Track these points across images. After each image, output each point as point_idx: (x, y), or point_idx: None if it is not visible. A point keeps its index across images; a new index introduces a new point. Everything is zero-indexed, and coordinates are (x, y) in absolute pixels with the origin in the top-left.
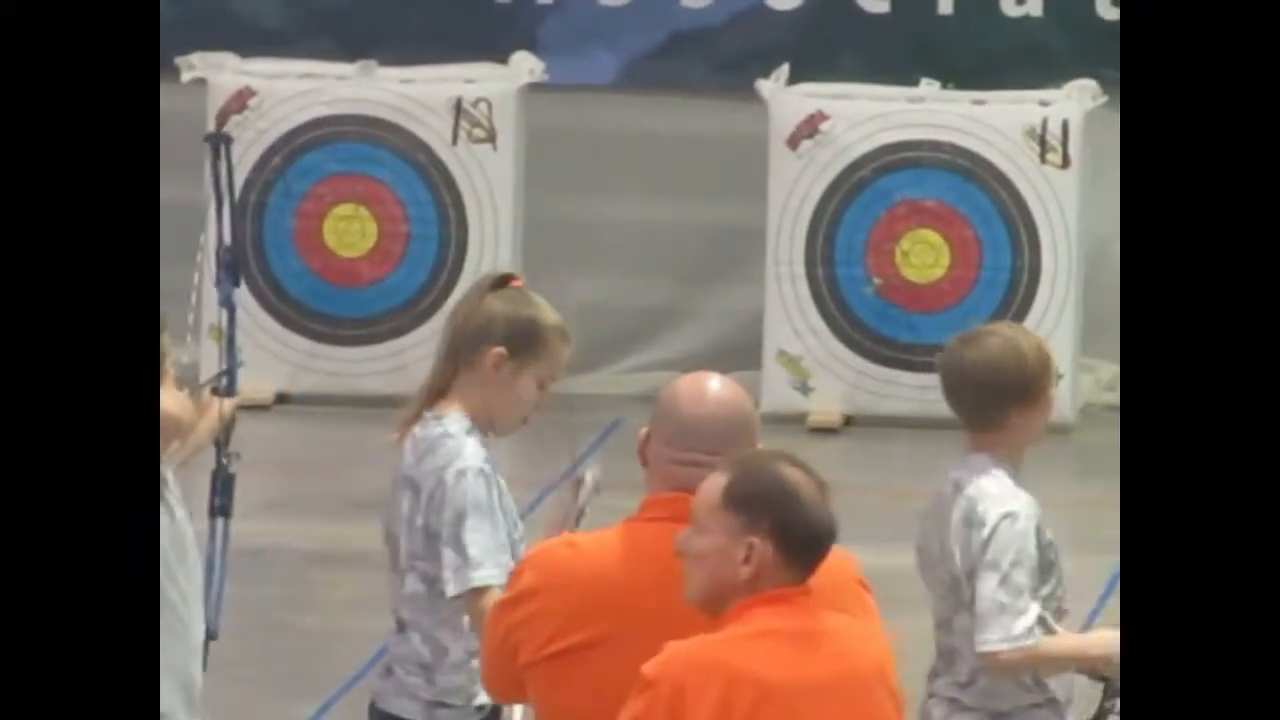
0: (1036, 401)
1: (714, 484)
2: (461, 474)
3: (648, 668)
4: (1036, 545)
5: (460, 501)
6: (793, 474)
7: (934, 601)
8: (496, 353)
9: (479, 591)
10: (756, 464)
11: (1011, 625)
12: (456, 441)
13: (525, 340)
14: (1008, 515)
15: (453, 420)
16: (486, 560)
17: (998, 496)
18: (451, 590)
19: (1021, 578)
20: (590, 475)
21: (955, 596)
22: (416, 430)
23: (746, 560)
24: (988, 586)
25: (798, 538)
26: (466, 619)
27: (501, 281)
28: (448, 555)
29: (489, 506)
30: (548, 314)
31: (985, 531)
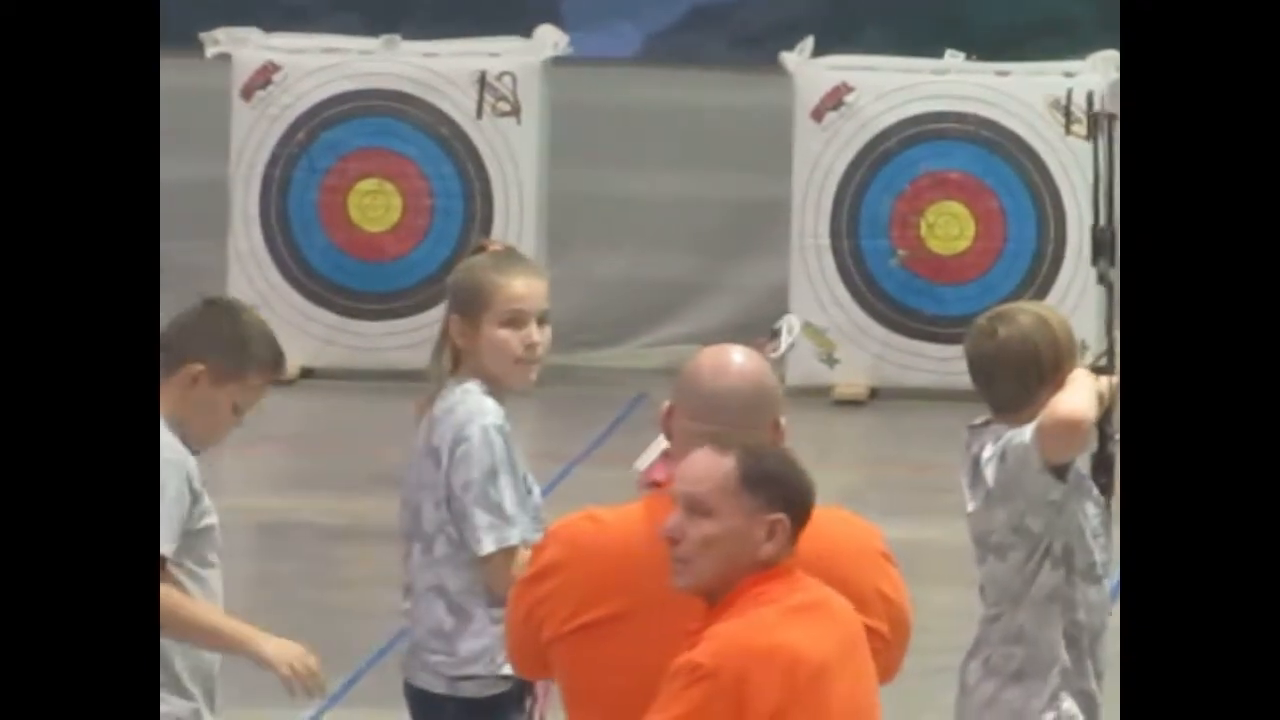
0: (1063, 381)
1: (718, 468)
2: (485, 430)
3: (701, 657)
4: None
5: (489, 457)
6: (785, 451)
7: (979, 568)
8: (454, 319)
9: (512, 551)
10: (757, 445)
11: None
12: (476, 400)
13: (466, 298)
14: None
15: (471, 384)
16: (519, 518)
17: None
18: (488, 548)
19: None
20: (789, 332)
21: (994, 558)
22: (437, 401)
23: (770, 537)
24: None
25: (804, 510)
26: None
27: (478, 248)
28: (479, 514)
29: (512, 464)
30: (478, 262)
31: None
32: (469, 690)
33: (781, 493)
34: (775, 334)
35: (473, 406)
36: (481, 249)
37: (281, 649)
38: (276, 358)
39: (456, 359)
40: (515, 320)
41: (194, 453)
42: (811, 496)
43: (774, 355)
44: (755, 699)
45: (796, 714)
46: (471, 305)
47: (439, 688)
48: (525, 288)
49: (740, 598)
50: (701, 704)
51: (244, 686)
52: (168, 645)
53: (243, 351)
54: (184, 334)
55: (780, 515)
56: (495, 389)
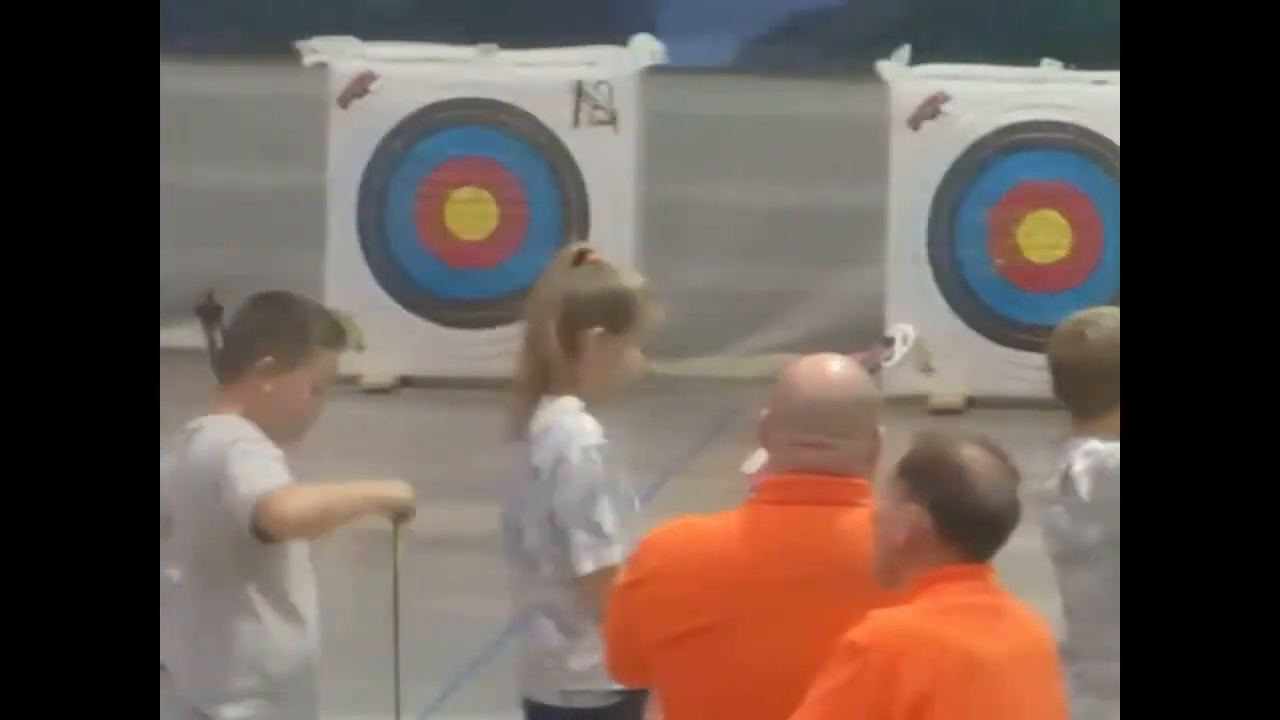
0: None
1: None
2: (586, 451)
3: (856, 635)
4: None
5: (589, 479)
6: (969, 452)
7: (1059, 582)
8: (598, 333)
9: (613, 570)
10: (936, 437)
11: None
12: (575, 419)
13: (620, 313)
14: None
15: (568, 402)
16: (620, 537)
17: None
18: (588, 568)
19: None
20: (902, 342)
21: (1079, 567)
22: (534, 420)
23: (907, 527)
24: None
25: (955, 514)
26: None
27: (579, 257)
28: (579, 534)
29: (613, 484)
30: (630, 278)
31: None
32: (584, 701)
33: (929, 487)
34: (889, 342)
35: (572, 426)
36: (582, 258)
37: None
38: (337, 329)
39: (543, 372)
40: (645, 344)
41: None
42: (977, 508)
43: (889, 364)
44: (902, 681)
45: (943, 704)
46: (624, 322)
47: (554, 700)
48: (660, 315)
49: (920, 591)
50: (852, 680)
51: (342, 697)
52: (263, 650)
53: (304, 331)
54: (244, 333)
55: (914, 507)
56: (591, 405)
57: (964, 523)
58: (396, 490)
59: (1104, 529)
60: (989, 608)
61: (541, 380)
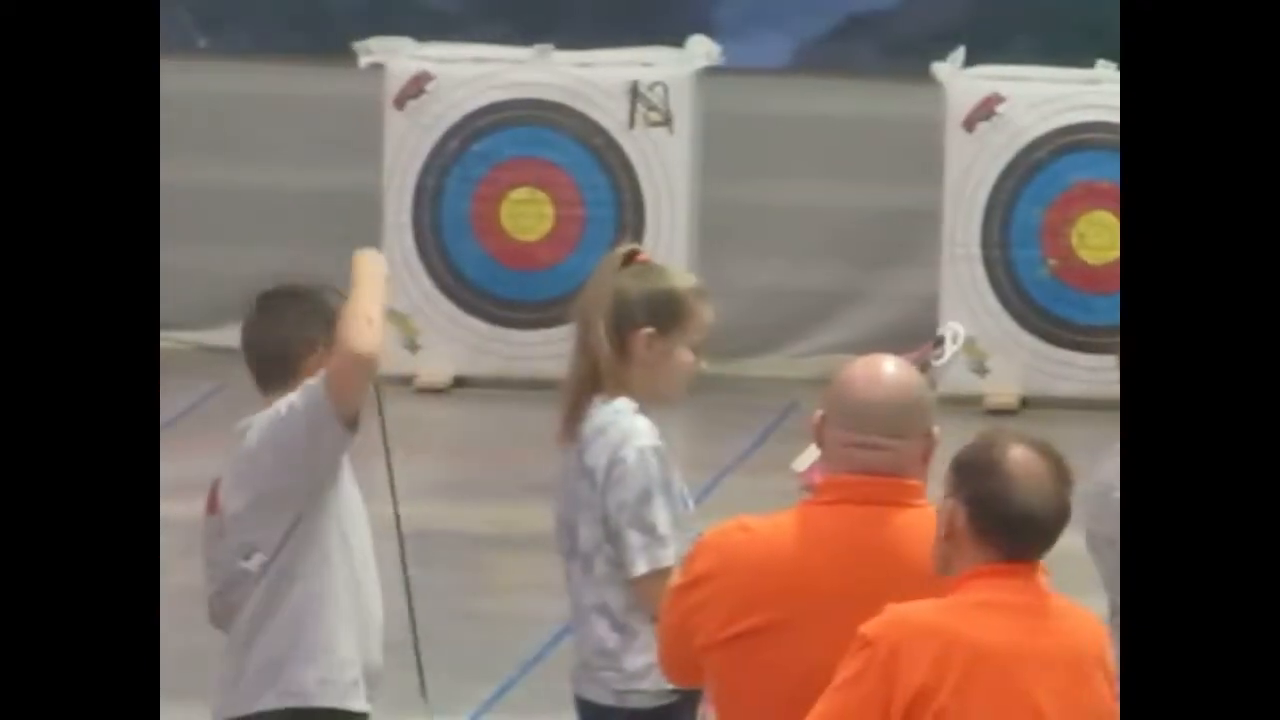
0: None
1: None
2: (642, 452)
3: (867, 628)
4: None
5: (644, 479)
6: (1013, 453)
7: (1106, 585)
8: (647, 334)
9: (666, 572)
10: (988, 434)
11: None
12: (629, 420)
13: (669, 314)
14: None
15: (621, 403)
16: (674, 539)
17: None
18: (642, 569)
19: None
20: (953, 340)
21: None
22: (586, 422)
23: (946, 522)
24: None
25: (988, 513)
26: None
27: (628, 258)
28: (633, 535)
29: (667, 484)
30: (681, 279)
31: None
32: (637, 701)
33: (966, 484)
34: (939, 342)
35: (627, 428)
36: (631, 258)
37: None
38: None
39: (598, 376)
40: (698, 345)
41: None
42: (1012, 508)
43: (938, 363)
44: (904, 672)
45: (946, 698)
46: (673, 323)
47: (607, 700)
48: (711, 315)
49: (956, 586)
50: (859, 672)
51: (390, 697)
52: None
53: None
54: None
55: (952, 502)
56: (645, 406)
57: (997, 521)
58: (379, 266)
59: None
60: (1022, 606)
61: (593, 381)
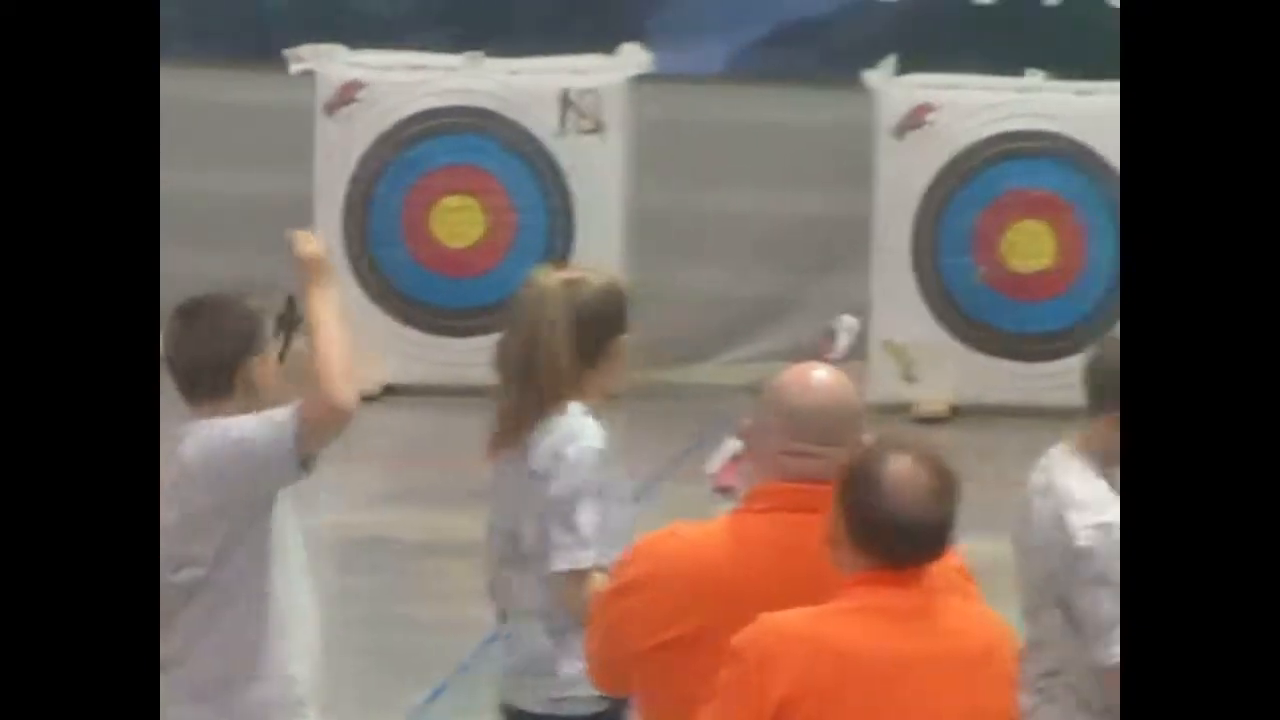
0: None
1: None
2: (583, 451)
3: (737, 638)
4: None
5: (577, 479)
6: (891, 462)
7: (1024, 591)
8: (622, 339)
9: (583, 574)
10: (871, 447)
11: None
12: (576, 421)
13: (623, 314)
14: (1105, 525)
15: (574, 406)
16: (597, 542)
17: (1089, 504)
18: (558, 566)
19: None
20: (846, 331)
21: (1043, 589)
22: (536, 429)
23: (828, 528)
24: (1104, 601)
25: (863, 520)
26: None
27: (561, 272)
28: (557, 532)
29: (601, 488)
30: (613, 277)
31: (1083, 542)
32: (571, 709)
33: (844, 495)
34: (831, 334)
35: (575, 428)
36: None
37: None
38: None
39: (542, 388)
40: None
41: None
42: (885, 518)
43: (832, 357)
44: (772, 682)
45: (813, 704)
46: (620, 324)
47: (540, 708)
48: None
49: (839, 593)
50: (729, 684)
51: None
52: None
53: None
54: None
55: (835, 509)
56: (595, 410)
57: (871, 528)
58: (331, 279)
59: (1043, 560)
60: (902, 610)
61: (541, 395)
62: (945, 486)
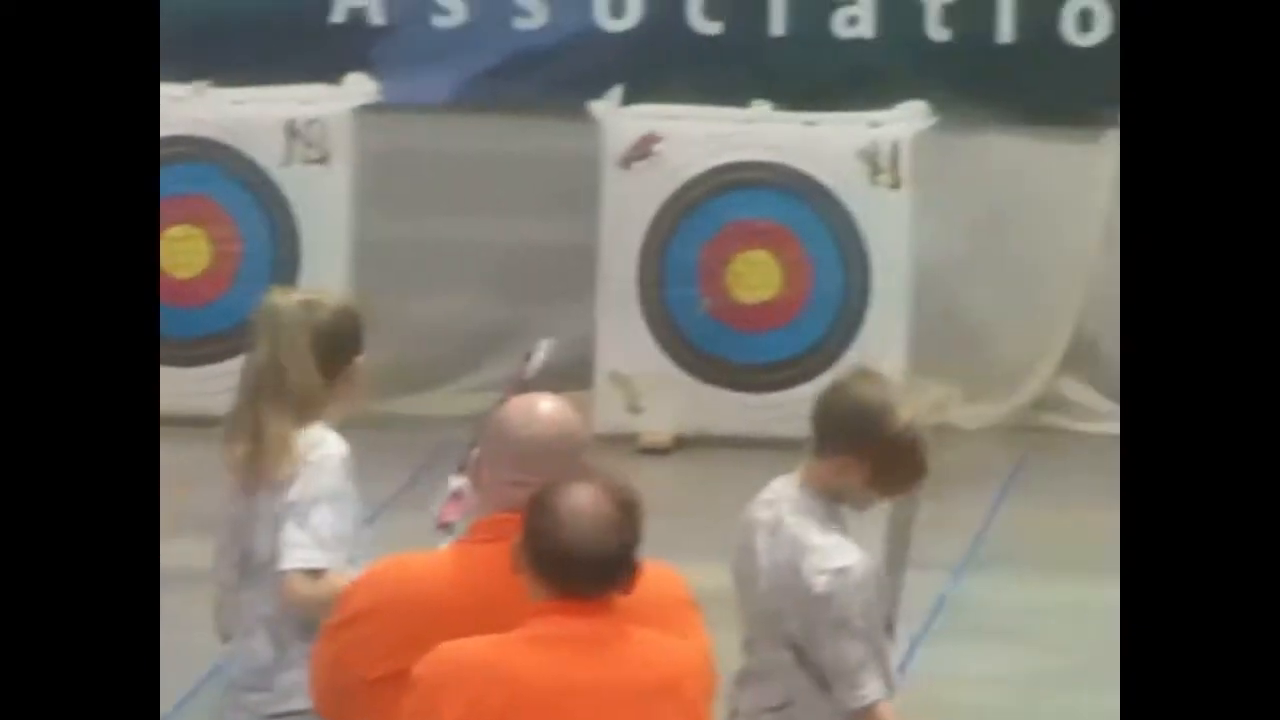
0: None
1: None
2: (326, 457)
3: (418, 665)
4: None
5: (318, 483)
6: (569, 492)
7: (745, 623)
8: (360, 361)
9: (317, 574)
10: (553, 483)
11: (878, 676)
12: (319, 433)
13: (360, 333)
14: (842, 569)
15: (317, 426)
16: (332, 546)
17: (824, 549)
18: (289, 564)
19: (861, 624)
20: (542, 351)
21: (768, 625)
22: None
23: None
24: (846, 646)
25: (536, 550)
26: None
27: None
28: (292, 531)
29: (344, 495)
30: (346, 300)
31: (820, 589)
32: None
33: (524, 527)
34: (529, 356)
35: (315, 438)
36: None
37: None
38: None
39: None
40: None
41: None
42: (560, 548)
43: (527, 378)
44: (444, 707)
45: None
46: (357, 346)
47: None
48: None
49: (524, 621)
50: (408, 711)
51: None
52: None
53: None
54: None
55: (519, 542)
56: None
57: (542, 558)
58: None
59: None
60: (582, 640)
61: (294, 412)
62: (624, 517)
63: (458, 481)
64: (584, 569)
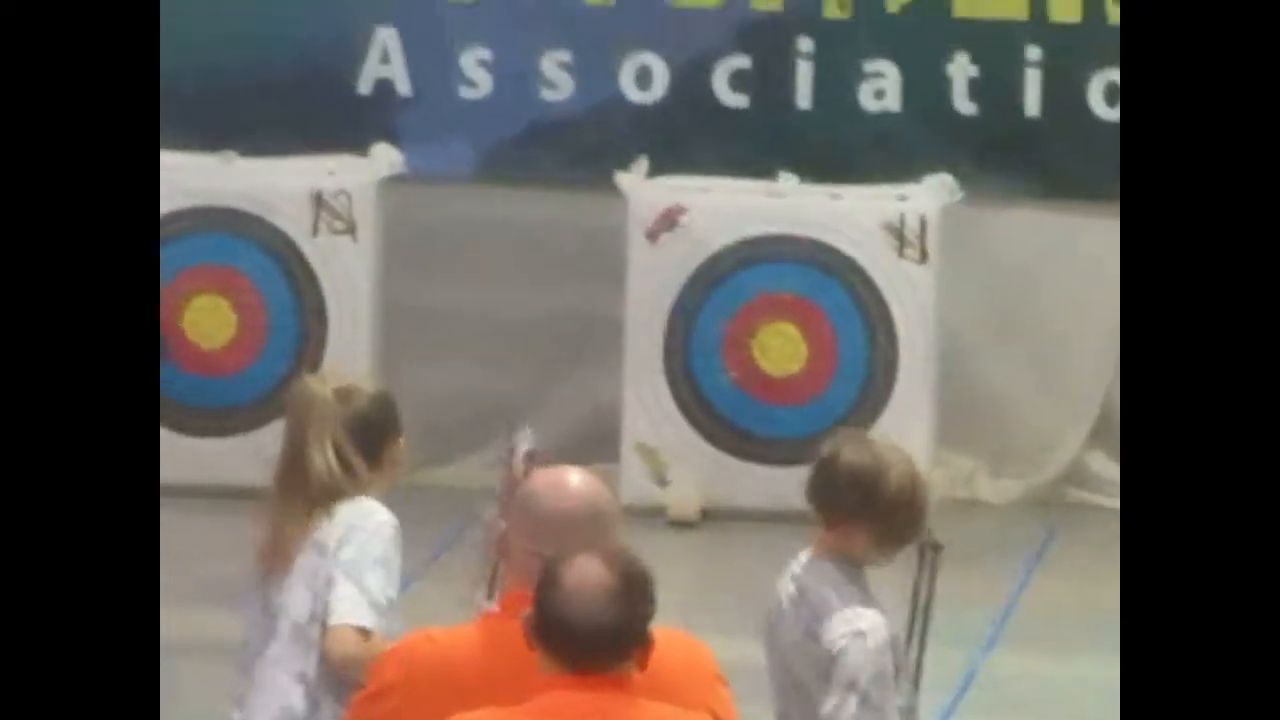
0: (878, 528)
1: None
2: (381, 525)
3: None
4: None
5: (372, 547)
6: (577, 565)
7: (776, 696)
8: (403, 440)
9: (366, 633)
10: (562, 556)
11: None
12: (371, 503)
13: (397, 419)
14: (859, 633)
15: (364, 499)
16: (383, 610)
17: (844, 618)
18: (341, 619)
19: (877, 694)
20: (524, 442)
21: (799, 698)
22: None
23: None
24: (845, 708)
25: (542, 623)
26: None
27: (326, 382)
28: (346, 587)
29: (395, 564)
30: (375, 384)
31: (835, 649)
32: None
33: (534, 601)
34: (512, 451)
35: (368, 507)
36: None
37: None
38: None
39: (323, 489)
40: None
41: None
42: (565, 622)
43: (519, 475)
44: None
45: None
46: (397, 429)
47: None
48: None
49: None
50: None
51: None
52: None
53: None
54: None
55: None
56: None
57: (547, 631)
58: None
59: (796, 669)
60: (582, 713)
61: (322, 499)
62: (628, 590)
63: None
64: (584, 642)
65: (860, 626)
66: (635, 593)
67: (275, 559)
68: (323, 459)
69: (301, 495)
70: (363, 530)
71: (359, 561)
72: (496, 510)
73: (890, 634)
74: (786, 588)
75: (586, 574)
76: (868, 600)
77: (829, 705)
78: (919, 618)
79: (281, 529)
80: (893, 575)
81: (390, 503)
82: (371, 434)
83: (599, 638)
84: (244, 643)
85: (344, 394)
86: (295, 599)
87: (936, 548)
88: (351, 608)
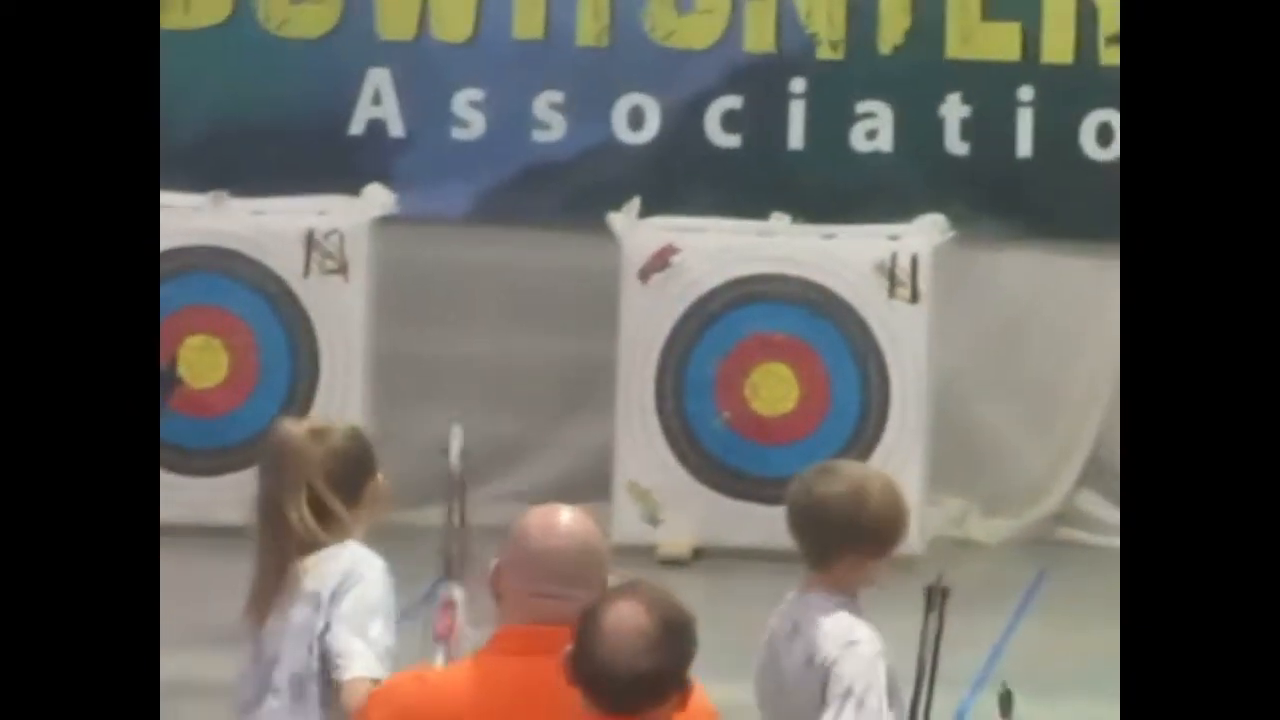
0: (871, 548)
1: None
2: (378, 573)
3: None
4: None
5: (371, 596)
6: (612, 609)
7: None
8: (380, 477)
9: (378, 684)
10: (614, 589)
11: None
12: (360, 550)
13: (373, 453)
14: (851, 643)
15: (349, 541)
16: (386, 659)
17: (836, 633)
18: (355, 672)
19: (874, 701)
20: (454, 439)
21: None
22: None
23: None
24: (848, 714)
25: (580, 670)
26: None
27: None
28: (352, 640)
29: (391, 611)
30: (353, 423)
31: (829, 663)
32: None
33: (572, 642)
34: (445, 452)
35: (360, 552)
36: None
37: None
38: None
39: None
40: None
41: None
42: (597, 665)
43: (457, 475)
44: None
45: None
46: (371, 467)
47: None
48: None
49: None
50: None
51: None
52: None
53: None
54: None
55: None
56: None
57: (582, 674)
58: None
59: (795, 700)
60: None
61: (307, 541)
62: (666, 635)
63: (449, 591)
64: (616, 685)
65: (852, 638)
66: (673, 639)
67: (261, 610)
68: (298, 514)
69: (282, 545)
70: (358, 579)
71: (359, 612)
72: (452, 588)
73: (888, 664)
74: (782, 625)
75: (624, 619)
76: (859, 615)
77: (826, 717)
78: (927, 659)
79: (264, 580)
80: (894, 620)
81: (381, 544)
82: (349, 471)
83: (627, 681)
84: (236, 690)
85: (319, 434)
86: (292, 653)
87: (945, 591)
88: (363, 660)
